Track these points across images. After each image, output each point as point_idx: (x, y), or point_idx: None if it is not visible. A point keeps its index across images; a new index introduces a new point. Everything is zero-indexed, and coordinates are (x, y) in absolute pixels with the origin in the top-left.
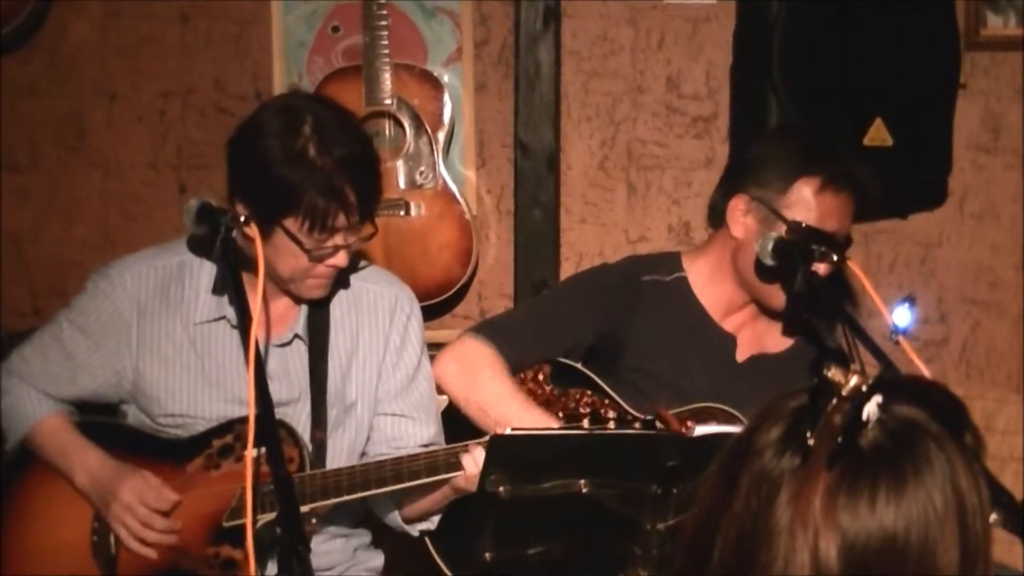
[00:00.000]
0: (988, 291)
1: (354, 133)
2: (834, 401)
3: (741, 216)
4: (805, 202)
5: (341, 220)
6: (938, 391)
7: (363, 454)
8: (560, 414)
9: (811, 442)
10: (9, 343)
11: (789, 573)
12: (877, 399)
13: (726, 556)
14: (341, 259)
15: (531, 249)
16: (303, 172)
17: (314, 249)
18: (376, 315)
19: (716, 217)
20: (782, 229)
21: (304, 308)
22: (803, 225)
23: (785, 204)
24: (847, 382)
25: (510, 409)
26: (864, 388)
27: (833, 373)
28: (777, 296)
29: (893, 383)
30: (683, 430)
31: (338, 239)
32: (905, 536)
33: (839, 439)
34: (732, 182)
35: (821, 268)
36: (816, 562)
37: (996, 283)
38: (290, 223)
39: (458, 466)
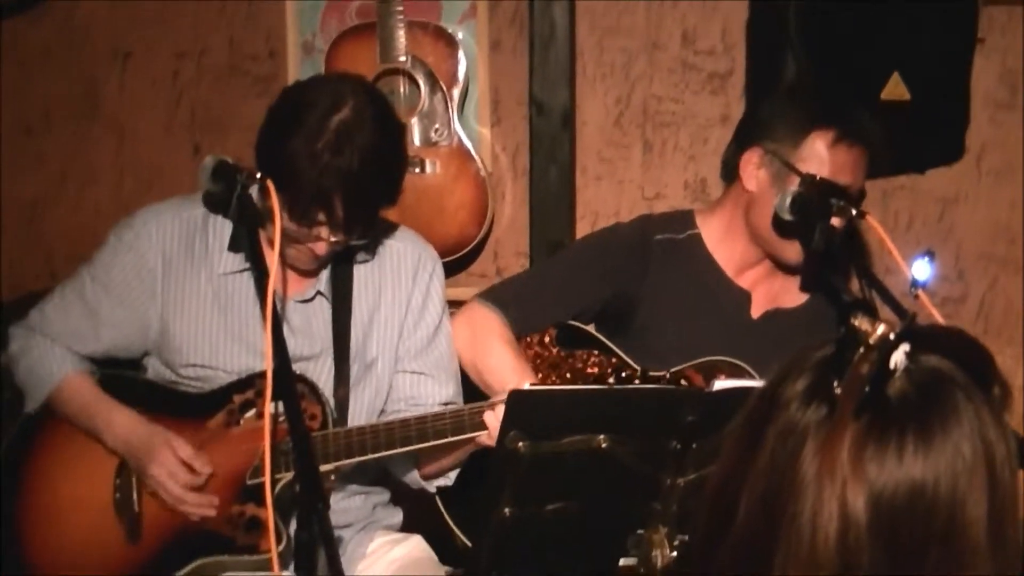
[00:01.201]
0: (1006, 248)
1: (376, 147)
2: (861, 351)
3: (754, 170)
4: (819, 155)
5: (322, 218)
6: (965, 341)
7: (382, 411)
8: (568, 375)
9: (838, 392)
10: (21, 305)
11: (817, 524)
12: (904, 348)
13: (752, 510)
14: (320, 248)
15: (546, 207)
16: (305, 159)
17: (291, 231)
18: (399, 273)
19: (729, 172)
20: (795, 182)
21: (328, 265)
22: (816, 178)
23: (799, 157)
24: (874, 331)
25: (508, 381)
26: (891, 337)
27: (860, 322)
28: (793, 251)
29: (920, 332)
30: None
31: (321, 232)
32: (934, 487)
33: (866, 389)
34: (745, 136)
35: (836, 222)
36: (844, 513)
37: (1014, 240)
38: (280, 196)
39: (483, 425)
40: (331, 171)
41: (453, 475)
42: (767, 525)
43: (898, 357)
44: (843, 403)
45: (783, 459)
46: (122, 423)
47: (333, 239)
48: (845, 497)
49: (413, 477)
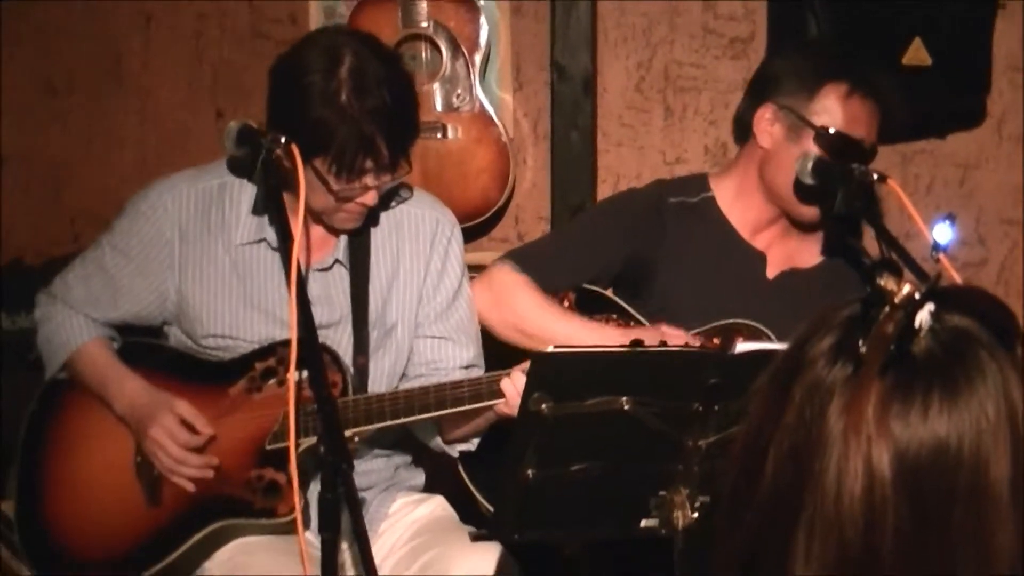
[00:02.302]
0: (1021, 211)
1: (393, 79)
2: (886, 309)
3: (768, 126)
4: (832, 108)
5: (369, 165)
6: (989, 301)
7: (403, 376)
8: None
9: (863, 350)
10: (50, 269)
11: (842, 481)
12: (929, 307)
13: (779, 468)
14: (371, 198)
15: (568, 172)
16: (335, 117)
17: (341, 191)
18: (417, 239)
19: (742, 130)
20: (810, 137)
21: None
22: (831, 131)
23: (812, 111)
24: (899, 291)
25: (546, 319)
26: (916, 297)
27: (885, 282)
28: (811, 212)
29: (945, 292)
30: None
31: (368, 180)
32: (958, 445)
33: (891, 347)
34: (758, 93)
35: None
36: (869, 470)
37: None
38: (319, 163)
39: (501, 393)
40: (365, 114)
41: (476, 441)
42: (794, 482)
43: (923, 316)
44: (869, 361)
45: (809, 416)
46: (131, 390)
47: (379, 183)
48: (870, 454)
49: (436, 442)
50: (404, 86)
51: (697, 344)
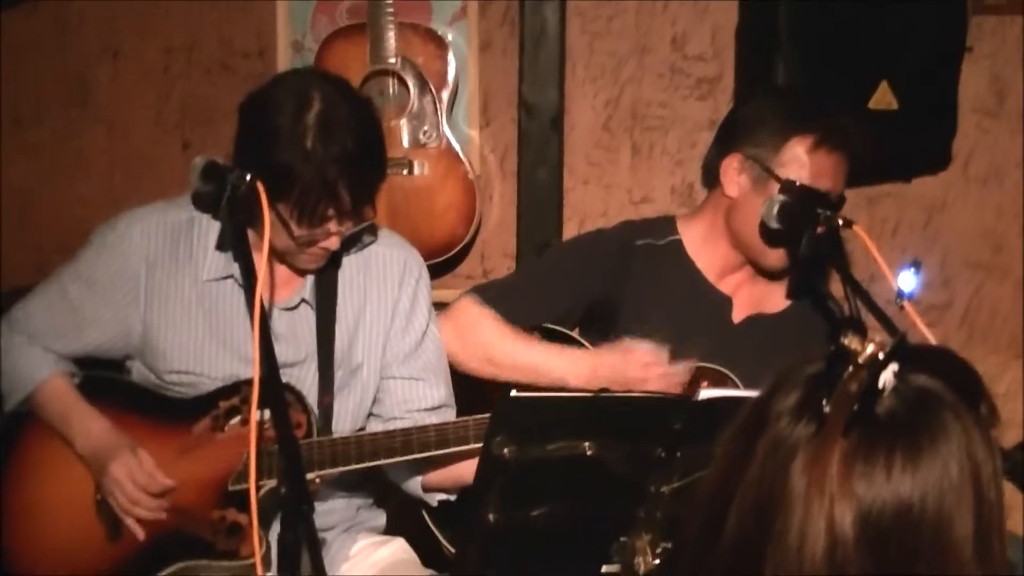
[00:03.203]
0: (991, 255)
1: (360, 125)
2: (850, 368)
3: (735, 175)
4: (799, 160)
5: (331, 212)
6: (954, 361)
7: (371, 415)
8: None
9: (827, 409)
10: (10, 299)
11: (805, 540)
12: (893, 367)
13: (741, 523)
14: (333, 243)
15: (534, 209)
16: (299, 162)
17: (302, 236)
18: (385, 279)
19: (710, 177)
20: (775, 188)
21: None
22: (797, 184)
23: (779, 163)
24: (864, 350)
25: (514, 347)
26: (881, 356)
27: (850, 340)
28: (777, 257)
29: (910, 352)
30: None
31: (330, 226)
32: (921, 505)
33: (855, 406)
34: (726, 141)
35: (822, 230)
36: (832, 529)
37: (1000, 247)
38: (282, 207)
39: (468, 439)
40: (329, 161)
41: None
42: (756, 537)
43: (887, 376)
44: (832, 420)
45: (773, 473)
46: (94, 430)
47: (341, 228)
48: (833, 513)
49: (414, 487)
50: (371, 132)
51: (666, 358)
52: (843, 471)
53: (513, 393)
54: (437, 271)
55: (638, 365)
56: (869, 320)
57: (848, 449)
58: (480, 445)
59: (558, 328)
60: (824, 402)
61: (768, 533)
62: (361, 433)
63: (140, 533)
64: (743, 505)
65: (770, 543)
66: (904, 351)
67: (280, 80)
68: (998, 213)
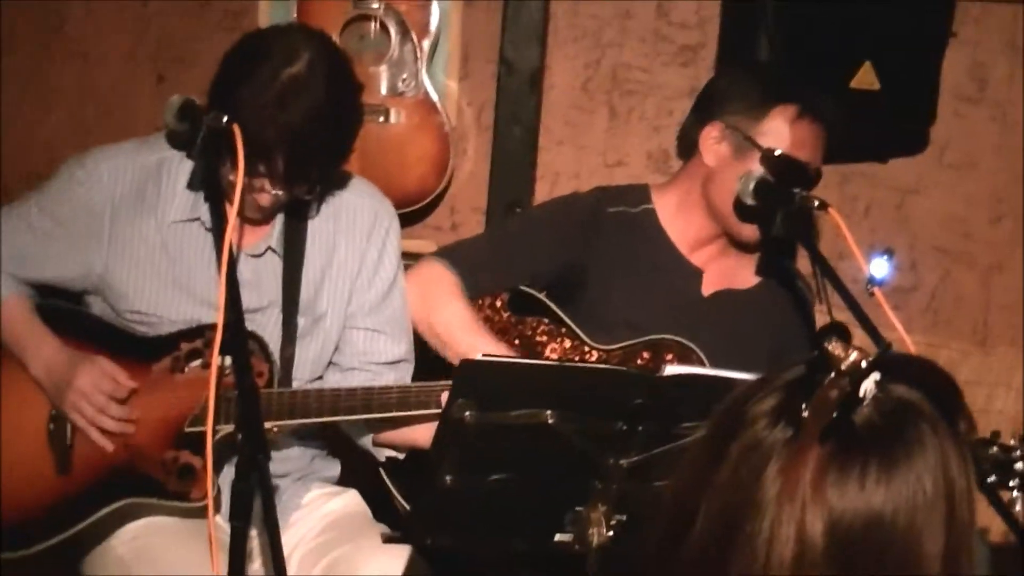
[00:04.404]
0: (960, 242)
1: (326, 108)
2: (832, 375)
3: (714, 144)
4: (780, 130)
5: (262, 170)
6: (936, 373)
7: (331, 364)
8: (516, 341)
9: (805, 415)
10: None
11: (773, 546)
12: (875, 377)
13: (709, 525)
14: (264, 199)
15: (507, 166)
16: (250, 112)
17: (234, 179)
18: (354, 229)
19: (687, 146)
20: (755, 157)
21: (280, 219)
22: (776, 153)
23: (760, 132)
24: (847, 357)
25: (463, 336)
26: (864, 364)
27: (833, 347)
28: (750, 232)
29: (892, 362)
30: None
31: (262, 183)
32: (892, 518)
33: (834, 414)
34: (705, 110)
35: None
36: (801, 536)
37: (969, 234)
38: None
39: (428, 404)
40: (273, 125)
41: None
42: (723, 540)
43: (868, 385)
44: (809, 426)
45: (745, 476)
46: (49, 351)
47: (274, 192)
48: (804, 520)
49: (365, 440)
50: (335, 118)
51: None
52: (817, 478)
53: (479, 356)
54: (406, 221)
55: None
56: (834, 299)
57: (823, 456)
58: (439, 412)
59: (528, 290)
60: (803, 407)
61: (736, 536)
62: (322, 388)
63: (107, 445)
64: (711, 508)
65: (738, 546)
66: (887, 361)
67: (279, 29)
68: (969, 200)
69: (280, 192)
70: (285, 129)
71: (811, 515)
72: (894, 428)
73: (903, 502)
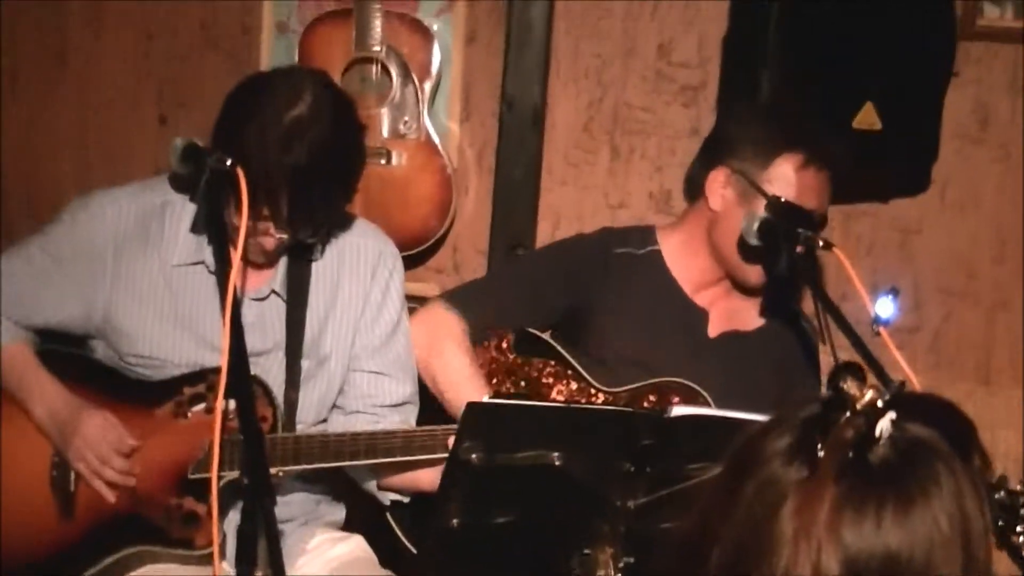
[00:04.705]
0: (963, 282)
1: (330, 149)
2: (847, 414)
3: (720, 188)
4: (786, 178)
5: (266, 213)
6: (951, 412)
7: (334, 407)
8: (522, 383)
9: (821, 454)
10: None
11: None
12: (891, 416)
13: (723, 563)
14: (268, 243)
15: (509, 207)
16: (255, 152)
17: (238, 222)
18: (358, 269)
19: (694, 189)
20: (761, 204)
21: (284, 261)
22: (782, 200)
23: (766, 179)
24: (862, 396)
25: (460, 388)
26: (879, 404)
27: (848, 385)
28: (755, 274)
29: (907, 400)
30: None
31: (266, 226)
32: (908, 557)
33: (849, 453)
34: (712, 154)
35: (801, 249)
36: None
37: (972, 274)
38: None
39: (433, 448)
40: (277, 167)
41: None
42: None
43: (884, 424)
44: (825, 466)
45: (760, 514)
46: (52, 397)
47: (279, 235)
48: (819, 560)
49: (370, 485)
50: (336, 161)
51: None
52: (832, 517)
53: (485, 398)
54: (408, 263)
55: None
56: (839, 338)
57: (839, 495)
58: (444, 456)
59: (534, 332)
60: (818, 446)
61: (751, 574)
62: (327, 433)
63: (109, 495)
64: (727, 544)
65: None
66: (902, 400)
67: (282, 71)
68: (972, 240)
69: (284, 235)
70: (288, 171)
71: (827, 555)
72: (910, 467)
73: (920, 541)
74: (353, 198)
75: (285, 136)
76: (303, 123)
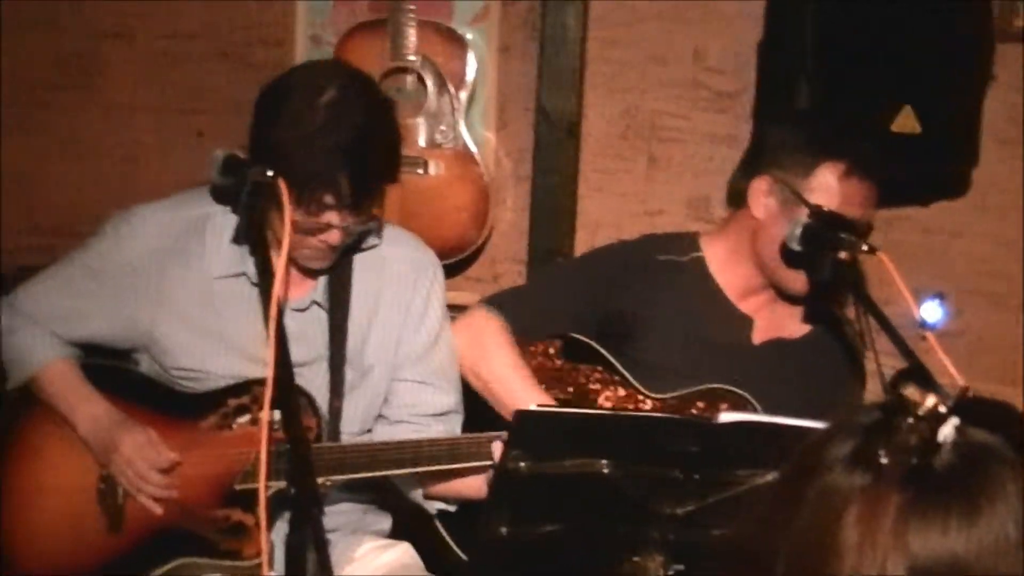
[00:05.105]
0: (1004, 286)
1: (371, 118)
2: (909, 420)
3: (763, 197)
4: (828, 187)
5: (330, 200)
6: (1013, 416)
7: (379, 417)
8: (570, 389)
9: (884, 460)
10: (14, 278)
11: None
12: (954, 421)
13: (787, 571)
14: (333, 237)
15: (546, 216)
16: (303, 143)
17: (302, 222)
18: (399, 280)
19: (737, 197)
20: (803, 212)
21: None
22: (824, 210)
23: (808, 188)
24: (924, 402)
25: (512, 387)
26: (942, 409)
27: (910, 392)
28: (799, 281)
29: (970, 406)
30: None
31: (331, 217)
32: (975, 564)
33: (913, 459)
34: (755, 163)
35: (845, 255)
36: None
37: (1012, 278)
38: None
39: (478, 456)
40: (327, 152)
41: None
42: None
43: (947, 430)
44: (889, 473)
45: (824, 521)
46: (97, 413)
47: (343, 223)
48: (886, 567)
49: (415, 494)
50: (382, 127)
51: None
52: (898, 525)
53: (533, 407)
54: (447, 273)
55: None
56: (880, 341)
57: (904, 503)
58: (489, 464)
59: (581, 338)
60: (881, 453)
61: None
62: (372, 443)
63: (156, 508)
64: (789, 553)
65: None
66: (965, 405)
67: (300, 67)
68: (1011, 244)
69: (350, 221)
70: (339, 151)
71: (893, 562)
72: (975, 473)
73: (986, 547)
74: (399, 176)
75: (325, 122)
76: (338, 105)
